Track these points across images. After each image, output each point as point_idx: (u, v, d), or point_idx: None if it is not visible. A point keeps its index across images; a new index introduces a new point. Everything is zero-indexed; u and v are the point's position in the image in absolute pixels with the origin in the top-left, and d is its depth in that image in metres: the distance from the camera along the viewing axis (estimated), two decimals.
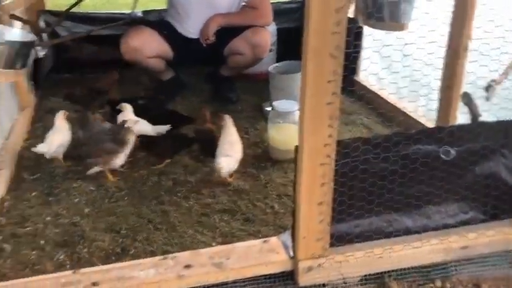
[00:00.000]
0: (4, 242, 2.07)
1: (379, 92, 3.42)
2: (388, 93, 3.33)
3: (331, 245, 1.76)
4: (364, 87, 3.59)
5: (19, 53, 2.06)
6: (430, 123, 2.79)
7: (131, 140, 2.57)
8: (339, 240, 1.78)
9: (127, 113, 2.84)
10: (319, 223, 1.68)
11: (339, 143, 1.61)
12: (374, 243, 1.82)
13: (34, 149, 2.63)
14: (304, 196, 1.62)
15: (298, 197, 1.63)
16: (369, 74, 3.58)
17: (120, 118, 2.75)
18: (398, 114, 3.17)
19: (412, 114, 3.04)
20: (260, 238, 2.06)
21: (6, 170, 2.56)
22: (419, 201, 1.85)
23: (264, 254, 1.80)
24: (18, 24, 3.21)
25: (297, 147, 1.61)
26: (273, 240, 1.89)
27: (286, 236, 1.86)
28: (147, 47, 3.38)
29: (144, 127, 2.82)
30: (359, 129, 3.17)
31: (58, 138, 2.67)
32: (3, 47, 1.97)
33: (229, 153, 2.49)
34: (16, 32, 2.20)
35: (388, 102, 3.30)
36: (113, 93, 3.41)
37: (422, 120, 2.94)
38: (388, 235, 1.84)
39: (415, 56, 1.80)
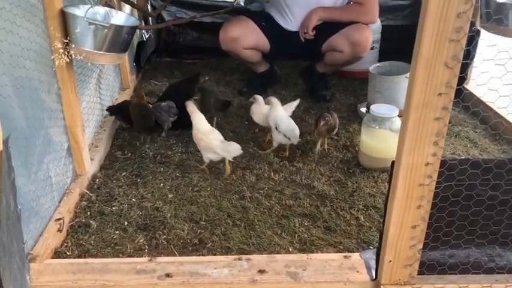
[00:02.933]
0: (91, 219, 2.16)
1: (490, 105, 3.08)
2: (499, 107, 2.99)
3: (420, 273, 1.59)
4: (473, 98, 3.27)
5: (122, 36, 2.10)
6: None
7: None
8: (429, 269, 1.60)
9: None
10: (409, 248, 1.52)
11: (443, 163, 1.43)
12: (470, 278, 1.62)
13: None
14: (396, 217, 1.47)
15: (389, 217, 1.48)
16: (477, 84, 3.25)
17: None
18: (511, 132, 2.84)
19: None
20: (340, 251, 1.96)
21: (102, 148, 2.67)
22: None
23: (344, 271, 1.68)
24: (127, 7, 3.34)
25: (393, 163, 1.45)
26: (355, 256, 1.75)
27: (370, 255, 1.72)
28: (245, 37, 3.34)
29: None
30: (463, 143, 2.89)
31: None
32: (107, 30, 2.01)
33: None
34: (121, 16, 2.25)
35: (500, 117, 2.96)
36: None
37: None
38: (489, 271, 1.63)
39: None
